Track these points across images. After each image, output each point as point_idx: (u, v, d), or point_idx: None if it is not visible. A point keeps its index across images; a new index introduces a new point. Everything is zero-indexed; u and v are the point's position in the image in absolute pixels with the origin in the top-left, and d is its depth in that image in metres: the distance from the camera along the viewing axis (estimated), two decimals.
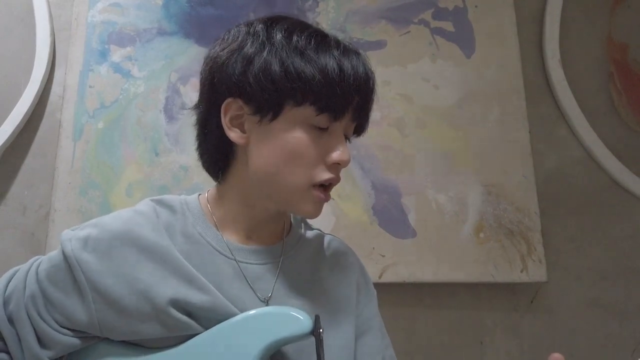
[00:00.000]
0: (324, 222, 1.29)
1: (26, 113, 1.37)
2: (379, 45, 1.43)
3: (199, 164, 1.48)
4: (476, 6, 1.47)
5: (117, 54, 1.42)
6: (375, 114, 1.38)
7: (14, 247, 1.33)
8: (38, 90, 1.39)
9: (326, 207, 1.40)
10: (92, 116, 1.37)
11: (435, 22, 1.45)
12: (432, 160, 1.36)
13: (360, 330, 0.70)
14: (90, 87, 1.39)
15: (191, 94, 1.39)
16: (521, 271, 1.29)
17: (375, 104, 0.67)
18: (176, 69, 1.41)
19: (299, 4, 1.46)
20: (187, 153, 1.35)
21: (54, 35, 1.44)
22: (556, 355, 0.52)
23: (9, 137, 1.35)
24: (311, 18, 1.44)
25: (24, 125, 1.39)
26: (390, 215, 1.32)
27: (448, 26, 1.45)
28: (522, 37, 1.46)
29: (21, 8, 1.44)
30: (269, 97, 0.60)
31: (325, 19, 1.44)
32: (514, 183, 1.35)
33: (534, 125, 1.41)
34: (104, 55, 1.41)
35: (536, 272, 1.29)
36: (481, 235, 1.32)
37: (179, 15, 1.45)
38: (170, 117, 1.38)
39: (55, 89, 1.41)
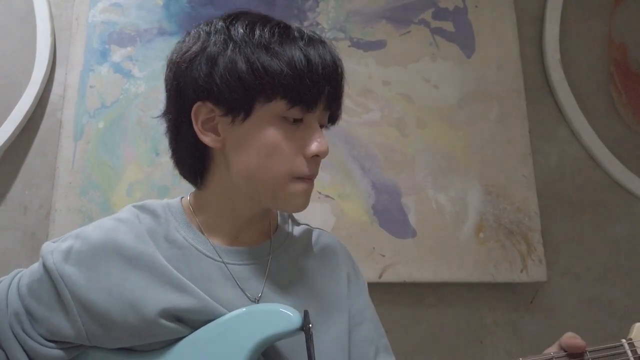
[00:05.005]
0: (324, 222, 1.29)
1: (27, 113, 1.37)
2: (379, 45, 1.43)
3: None
4: (476, 6, 1.47)
5: (117, 54, 1.42)
6: (375, 114, 1.39)
7: (15, 247, 1.33)
8: (39, 91, 1.39)
9: (326, 207, 1.40)
10: (93, 116, 1.37)
11: (435, 22, 1.45)
12: (432, 160, 1.36)
13: (354, 322, 0.69)
14: (90, 87, 1.39)
15: None
16: (521, 271, 1.29)
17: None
18: None
19: (298, 3, 1.46)
20: None
21: (55, 35, 1.44)
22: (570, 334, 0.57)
23: (9, 137, 1.36)
24: (311, 18, 1.44)
25: (25, 125, 1.39)
26: (390, 215, 1.32)
27: (448, 26, 1.45)
28: (522, 37, 1.46)
29: (22, 8, 1.44)
30: (238, 96, 0.58)
31: (325, 18, 1.44)
32: (514, 183, 1.35)
33: (534, 125, 1.41)
34: (104, 55, 1.41)
35: (536, 272, 1.29)
36: (481, 235, 1.32)
37: (180, 16, 1.45)
38: None
39: (56, 89, 1.42)
